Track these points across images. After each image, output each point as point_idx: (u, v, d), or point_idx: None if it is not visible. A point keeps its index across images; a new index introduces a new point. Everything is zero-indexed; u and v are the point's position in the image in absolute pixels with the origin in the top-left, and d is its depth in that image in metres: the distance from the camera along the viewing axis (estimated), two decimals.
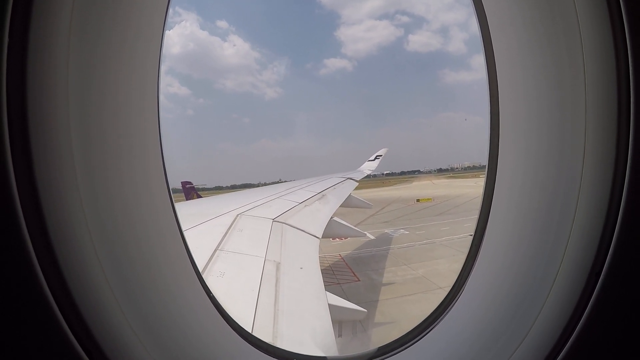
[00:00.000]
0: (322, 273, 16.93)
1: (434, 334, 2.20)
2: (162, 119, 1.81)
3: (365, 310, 5.97)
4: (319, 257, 20.04)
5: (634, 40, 1.21)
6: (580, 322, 1.35)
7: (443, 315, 2.23)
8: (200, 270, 4.26)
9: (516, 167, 1.91)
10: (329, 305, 4.52)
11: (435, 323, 2.23)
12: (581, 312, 1.36)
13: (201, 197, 40.41)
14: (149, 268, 1.68)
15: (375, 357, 2.22)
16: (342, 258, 27.79)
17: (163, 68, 1.81)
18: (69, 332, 1.17)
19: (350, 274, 24.07)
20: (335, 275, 23.67)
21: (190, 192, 52.67)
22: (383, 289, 21.09)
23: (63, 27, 1.23)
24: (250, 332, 3.16)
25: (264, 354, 2.18)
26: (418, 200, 62.74)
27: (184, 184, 55.33)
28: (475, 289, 2.12)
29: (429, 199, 62.87)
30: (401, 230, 37.27)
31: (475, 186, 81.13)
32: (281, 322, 3.61)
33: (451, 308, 2.22)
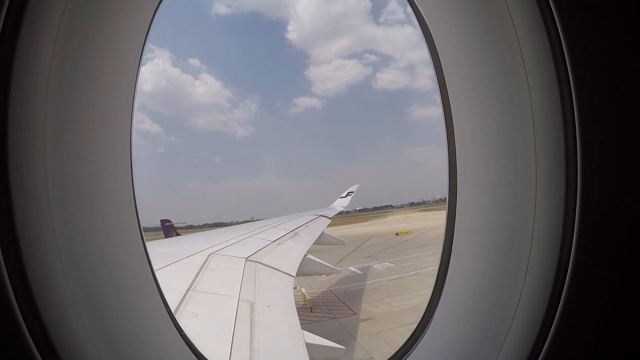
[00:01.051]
0: (316, 309, 16.82)
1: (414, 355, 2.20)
2: (133, 156, 1.81)
3: (344, 348, 5.84)
4: (309, 293, 19.87)
5: (571, 50, 1.27)
6: (546, 344, 1.38)
7: (413, 347, 2.25)
8: (173, 311, 4.13)
9: (475, 198, 1.98)
10: (307, 344, 4.41)
11: (409, 353, 2.24)
12: (545, 334, 1.39)
13: (179, 234, 39.54)
14: (121, 307, 1.64)
15: None
16: (333, 293, 27.73)
17: (135, 104, 1.82)
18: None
19: (345, 307, 24.14)
20: (330, 310, 23.73)
21: (170, 230, 51.28)
22: (382, 320, 21.26)
23: (44, 61, 1.25)
24: None
25: None
26: (397, 234, 63.47)
27: (163, 222, 53.61)
28: (443, 319, 2.14)
29: (407, 232, 63.83)
30: (386, 263, 37.82)
31: None
32: None
33: (421, 340, 2.24)
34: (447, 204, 2.19)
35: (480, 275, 1.86)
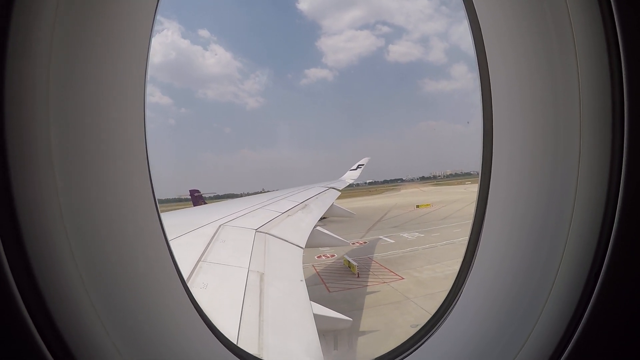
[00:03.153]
0: (361, 275, 16.97)
1: (432, 341, 2.15)
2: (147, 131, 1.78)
3: (351, 319, 5.93)
4: (354, 259, 20.43)
5: (626, 39, 1.20)
6: (581, 323, 1.34)
7: (441, 322, 2.20)
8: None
9: (511, 170, 1.87)
10: (315, 315, 4.48)
11: (433, 331, 2.19)
12: (581, 313, 1.34)
13: (206, 203, 41.38)
14: (132, 276, 1.63)
15: None
16: (373, 260, 28.72)
17: (147, 77, 1.78)
18: (42, 343, 1.11)
19: (390, 273, 24.86)
20: (377, 276, 24.51)
21: (198, 199, 55.35)
22: (430, 284, 21.84)
23: (45, 30, 1.19)
24: (235, 343, 3.12)
25: None
26: (417, 206, 63.98)
27: (192, 192, 58.79)
28: (472, 294, 2.07)
29: (428, 205, 64.42)
30: (415, 233, 38.59)
31: (466, 192, 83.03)
32: (266, 333, 3.56)
33: (449, 315, 2.17)
34: (480, 173, 2.05)
35: (514, 248, 1.79)
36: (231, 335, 3.35)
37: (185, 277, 4.39)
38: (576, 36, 1.38)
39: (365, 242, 36.10)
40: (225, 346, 2.17)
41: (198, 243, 6.15)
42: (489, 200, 1.97)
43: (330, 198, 18.82)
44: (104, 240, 1.50)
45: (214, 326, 2.21)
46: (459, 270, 2.22)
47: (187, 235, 6.68)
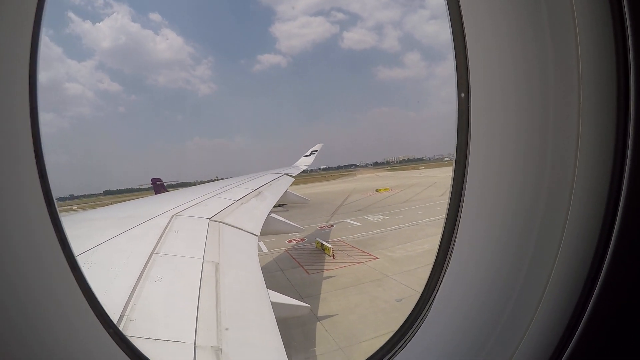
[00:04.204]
0: (339, 257, 20.32)
1: (405, 352, 2.01)
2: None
3: (309, 306, 6.04)
4: (329, 242, 20.71)
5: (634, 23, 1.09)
6: (579, 327, 1.27)
7: (413, 330, 2.02)
8: (138, 276, 4.13)
9: (491, 155, 1.61)
10: (272, 303, 4.54)
11: (405, 340, 2.04)
12: (579, 316, 1.27)
13: (167, 191, 40.65)
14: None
15: None
16: (345, 242, 29.36)
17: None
18: None
19: (363, 254, 25.56)
20: (352, 257, 25.10)
21: (160, 188, 54.91)
22: (405, 261, 22.72)
23: None
24: (193, 335, 3.13)
25: None
26: (377, 190, 66.00)
27: (153, 180, 58.22)
28: (448, 296, 1.86)
29: (387, 189, 66.58)
30: (380, 215, 40.04)
31: (421, 177, 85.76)
32: (224, 324, 3.58)
33: (422, 322, 1.98)
34: (453, 169, 1.80)
35: (498, 245, 1.58)
36: (189, 328, 3.35)
37: (139, 270, 4.34)
38: (576, 10, 1.24)
39: (332, 226, 37.14)
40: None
41: (151, 234, 6.00)
42: (466, 188, 1.73)
43: (284, 185, 18.75)
44: None
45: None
46: (432, 269, 2.01)
47: (139, 227, 6.49)
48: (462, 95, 1.64)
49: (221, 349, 3.13)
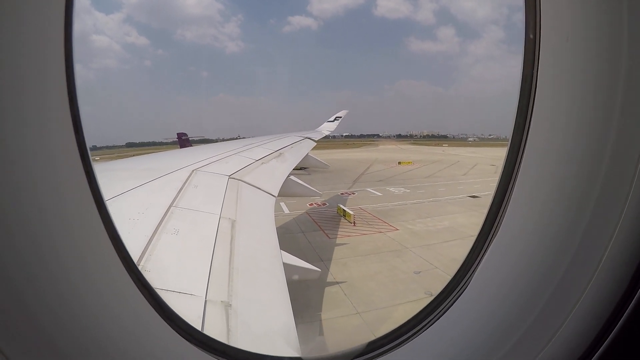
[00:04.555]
0: (360, 225, 22.11)
1: (434, 329, 1.92)
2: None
3: (319, 270, 6.10)
4: (350, 209, 23.93)
5: None
6: (615, 329, 1.22)
7: (445, 307, 1.94)
8: (155, 227, 4.19)
9: (551, 145, 1.52)
10: (284, 264, 4.59)
11: (436, 315, 1.95)
12: (616, 321, 1.23)
13: (192, 146, 41.92)
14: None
15: (362, 355, 1.94)
16: (366, 211, 29.79)
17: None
18: None
19: (384, 224, 26.00)
20: (372, 226, 25.57)
21: (185, 142, 56.48)
22: (425, 236, 23.02)
23: None
24: (204, 297, 3.18)
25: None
26: (399, 163, 65.96)
27: (179, 135, 60.13)
28: (485, 279, 1.79)
29: (409, 162, 66.44)
30: (401, 188, 40.44)
31: (444, 154, 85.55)
32: (236, 280, 3.64)
33: (456, 299, 1.90)
34: (506, 155, 1.69)
35: (544, 230, 1.52)
36: (201, 282, 3.41)
37: (157, 222, 4.41)
38: None
39: (353, 193, 37.71)
40: (187, 339, 1.84)
41: (170, 188, 6.08)
42: (518, 176, 1.63)
43: (305, 148, 18.73)
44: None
45: (174, 315, 1.93)
46: (473, 245, 1.93)
47: (159, 180, 6.58)
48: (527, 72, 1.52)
49: (231, 305, 3.18)
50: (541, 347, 1.45)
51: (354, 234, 23.50)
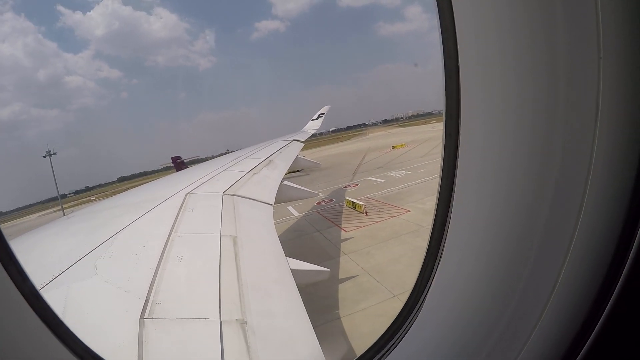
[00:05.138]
0: (372, 214, 21.88)
1: (396, 352, 1.87)
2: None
3: (329, 270, 6.12)
4: (362, 199, 23.87)
5: None
6: (593, 333, 1.15)
7: (402, 333, 1.88)
8: (158, 258, 4.21)
9: (491, 130, 1.36)
10: (292, 270, 4.61)
11: (394, 343, 1.90)
12: (594, 321, 1.16)
13: (187, 167, 42.09)
14: None
15: None
16: (373, 199, 29.55)
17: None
18: None
19: (395, 208, 25.75)
20: (384, 212, 25.30)
21: (180, 165, 56.76)
22: (429, 218, 22.11)
23: None
24: (218, 311, 3.20)
25: None
26: (393, 147, 65.92)
27: (174, 159, 60.80)
28: (439, 299, 1.70)
29: (402, 145, 66.06)
30: (402, 171, 40.14)
31: (434, 130, 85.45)
32: (247, 296, 3.66)
33: (412, 324, 1.84)
34: (442, 148, 1.58)
35: (493, 252, 1.41)
36: (213, 304, 3.44)
37: (159, 252, 4.43)
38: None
39: (356, 184, 37.62)
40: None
41: (167, 216, 6.09)
42: (457, 173, 1.53)
43: (294, 151, 18.72)
44: None
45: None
46: (424, 260, 1.86)
47: (154, 210, 6.58)
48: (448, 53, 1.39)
49: (246, 322, 3.21)
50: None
51: (369, 223, 23.49)
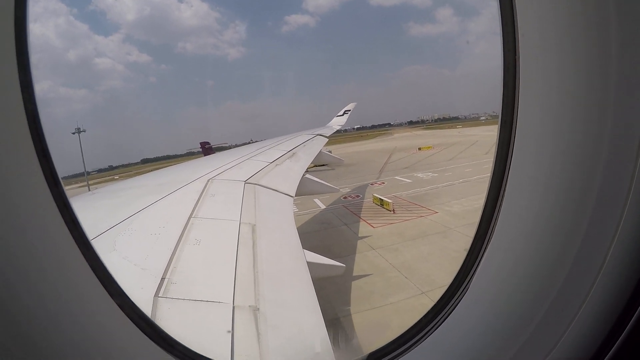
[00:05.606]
0: (399, 212, 22.10)
1: (436, 335, 1.86)
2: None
3: (344, 265, 6.08)
4: (389, 197, 24.40)
5: None
6: (624, 332, 1.17)
7: (447, 312, 1.88)
8: (177, 240, 4.24)
9: (545, 131, 1.39)
10: (308, 262, 4.58)
11: (438, 322, 1.89)
12: (625, 323, 1.17)
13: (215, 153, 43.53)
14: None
15: None
16: (400, 197, 29.76)
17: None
18: None
19: (422, 208, 26.00)
20: (411, 211, 25.68)
21: (208, 151, 58.73)
22: (467, 215, 22.79)
23: None
24: (232, 302, 3.20)
25: None
26: (419, 149, 65.77)
27: (202, 144, 63.97)
28: (485, 281, 1.71)
29: (429, 147, 65.89)
30: (429, 173, 40.18)
31: (460, 135, 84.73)
32: (262, 284, 3.65)
33: (457, 304, 1.83)
34: (497, 134, 1.57)
35: (546, 222, 1.42)
36: (227, 288, 3.44)
37: (178, 234, 4.46)
38: None
39: (383, 182, 37.96)
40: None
41: (188, 199, 6.15)
42: (511, 166, 1.52)
43: (318, 145, 18.71)
44: None
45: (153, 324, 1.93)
46: (471, 245, 1.86)
47: (176, 193, 6.66)
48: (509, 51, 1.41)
49: (259, 309, 3.20)
50: (548, 350, 1.39)
51: (397, 221, 23.60)
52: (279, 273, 4.28)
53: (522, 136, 1.44)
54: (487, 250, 1.70)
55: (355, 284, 15.19)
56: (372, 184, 36.99)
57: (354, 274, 16.20)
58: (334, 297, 13.93)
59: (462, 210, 24.20)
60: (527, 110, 1.41)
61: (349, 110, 34.40)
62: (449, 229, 21.01)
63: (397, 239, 20.48)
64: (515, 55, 1.38)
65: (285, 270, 4.44)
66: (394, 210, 25.61)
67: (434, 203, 26.83)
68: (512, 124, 1.46)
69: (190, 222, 4.95)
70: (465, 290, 1.81)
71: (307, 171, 11.89)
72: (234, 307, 3.13)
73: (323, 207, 29.31)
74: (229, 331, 2.81)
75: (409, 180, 37.11)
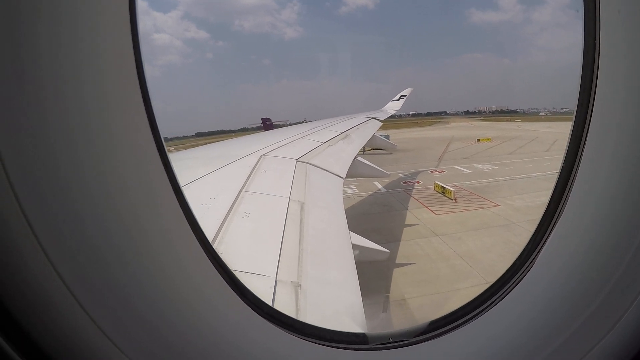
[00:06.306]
0: (461, 201, 22.56)
1: (495, 310, 1.85)
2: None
3: (388, 251, 6.00)
4: (450, 186, 24.69)
5: None
6: None
7: (510, 287, 1.87)
8: (226, 211, 4.34)
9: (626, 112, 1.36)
10: (353, 244, 4.56)
11: (500, 296, 1.89)
12: None
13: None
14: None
15: (423, 334, 1.87)
16: (462, 188, 29.49)
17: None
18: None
19: (483, 200, 25.95)
20: (473, 202, 25.67)
21: (269, 127, 61.36)
22: (528, 211, 22.28)
23: None
24: (274, 277, 3.24)
25: (293, 335, 1.81)
26: (478, 140, 63.91)
27: (264, 120, 66.97)
28: (549, 261, 1.70)
29: (488, 139, 63.90)
30: (489, 165, 39.41)
31: (520, 129, 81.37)
32: (306, 261, 3.67)
33: (520, 280, 1.82)
34: (574, 116, 1.55)
35: (622, 197, 1.40)
36: (271, 263, 3.48)
37: (228, 206, 4.56)
38: None
39: (443, 171, 37.48)
40: (258, 313, 1.84)
41: (240, 173, 6.28)
42: (586, 143, 1.49)
43: (371, 128, 18.49)
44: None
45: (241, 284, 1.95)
46: (541, 219, 1.85)
47: (229, 166, 6.82)
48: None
49: (300, 285, 3.22)
50: (604, 332, 1.40)
51: (458, 210, 23.50)
52: (324, 252, 4.28)
53: (597, 135, 1.44)
54: (553, 231, 1.70)
55: (416, 268, 15.44)
56: (431, 172, 36.53)
57: (418, 260, 16.36)
58: (399, 280, 14.37)
59: (524, 206, 23.46)
60: (605, 109, 1.40)
61: (405, 96, 33.68)
62: (511, 222, 20.56)
63: (460, 227, 20.36)
64: (595, 47, 1.38)
65: (329, 250, 4.43)
66: (455, 199, 25.37)
67: (496, 195, 26.25)
68: (585, 122, 1.46)
69: (240, 196, 5.05)
70: (528, 268, 1.80)
71: (363, 153, 11.80)
72: (276, 282, 3.17)
73: (384, 190, 29.32)
74: (270, 299, 2.85)
75: (469, 171, 36.30)
